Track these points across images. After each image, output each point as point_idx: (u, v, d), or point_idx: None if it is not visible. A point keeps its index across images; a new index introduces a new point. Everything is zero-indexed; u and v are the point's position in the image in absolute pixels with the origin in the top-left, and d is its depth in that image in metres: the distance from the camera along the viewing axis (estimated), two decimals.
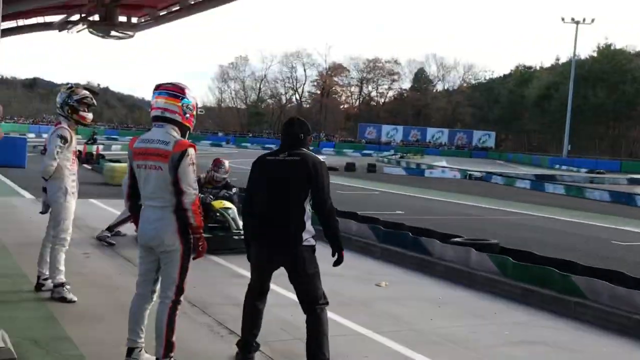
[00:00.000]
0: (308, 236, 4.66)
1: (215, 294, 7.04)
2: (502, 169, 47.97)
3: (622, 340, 6.18)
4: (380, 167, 40.36)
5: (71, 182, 6.47)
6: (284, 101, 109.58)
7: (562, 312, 7.02)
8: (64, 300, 6.25)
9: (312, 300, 4.74)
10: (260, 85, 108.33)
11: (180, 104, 4.50)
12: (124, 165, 21.88)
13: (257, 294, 5.03)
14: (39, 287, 6.61)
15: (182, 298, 4.54)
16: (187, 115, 4.54)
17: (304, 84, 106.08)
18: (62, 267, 6.38)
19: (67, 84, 6.75)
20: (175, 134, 4.48)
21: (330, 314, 6.43)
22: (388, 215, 13.93)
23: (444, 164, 50.07)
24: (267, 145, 74.55)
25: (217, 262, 8.87)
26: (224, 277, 8.01)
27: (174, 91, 4.52)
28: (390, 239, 10.27)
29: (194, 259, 4.55)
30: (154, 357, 4.54)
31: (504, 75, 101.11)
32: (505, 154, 77.95)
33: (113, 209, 14.23)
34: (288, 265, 4.77)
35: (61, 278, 6.35)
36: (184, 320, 5.93)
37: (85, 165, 27.69)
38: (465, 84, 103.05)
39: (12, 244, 9.06)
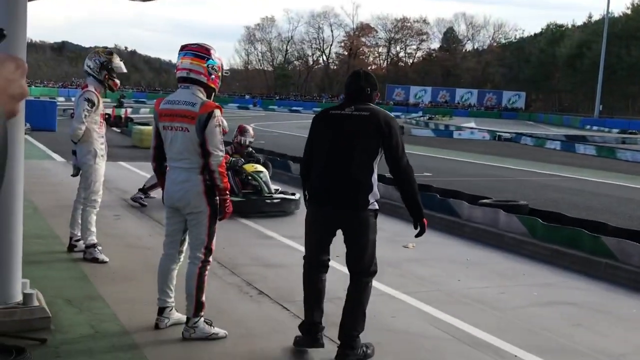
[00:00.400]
0: (373, 199, 4.26)
1: (244, 255, 7.11)
2: (532, 130, 47.35)
3: None
4: (408, 129, 40.03)
5: (100, 144, 6.54)
6: (311, 62, 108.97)
7: (592, 273, 6.97)
8: (95, 260, 6.36)
9: (361, 270, 4.37)
10: (287, 47, 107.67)
11: (205, 65, 4.48)
12: (152, 128, 22.03)
13: (315, 265, 4.59)
14: (71, 248, 6.73)
15: (211, 258, 4.61)
16: (213, 76, 4.53)
17: (331, 45, 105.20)
18: (94, 229, 6.49)
19: (106, 48, 6.77)
20: (201, 95, 4.48)
21: None
22: (416, 177, 13.88)
23: (472, 125, 49.55)
24: (294, 108, 74.55)
25: (246, 224, 8.93)
26: (252, 238, 8.07)
27: (199, 52, 4.50)
28: None
29: (219, 220, 4.58)
30: (185, 316, 4.62)
31: (535, 34, 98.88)
32: (535, 115, 76.83)
33: (142, 171, 14.38)
34: (349, 229, 4.35)
35: (93, 239, 6.45)
36: (214, 281, 6.00)
37: (114, 129, 27.95)
38: (495, 44, 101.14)
39: (45, 206, 9.21)
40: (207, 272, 4.58)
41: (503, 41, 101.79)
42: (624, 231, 7.78)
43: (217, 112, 4.41)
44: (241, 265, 6.65)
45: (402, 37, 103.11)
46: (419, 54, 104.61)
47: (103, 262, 6.37)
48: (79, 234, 6.67)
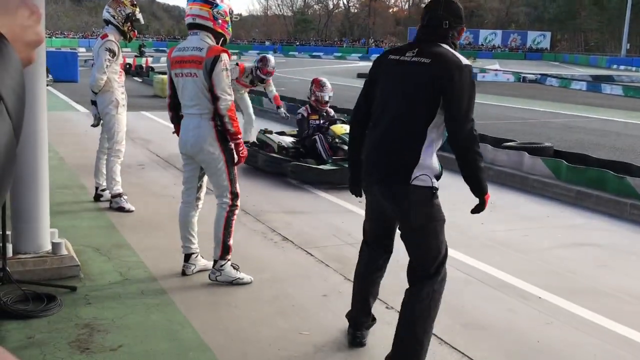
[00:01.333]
0: (422, 173, 3.27)
1: (269, 202, 7.15)
2: (558, 71, 46.49)
3: None
4: None
5: (120, 94, 6.55)
6: (331, 6, 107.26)
7: (617, 214, 6.93)
8: (122, 210, 6.45)
9: (419, 266, 3.43)
10: None
11: (210, 10, 4.48)
12: None
13: (368, 250, 3.86)
14: (97, 197, 6.82)
15: (238, 202, 4.69)
16: (219, 21, 4.52)
17: None
18: (119, 178, 6.56)
19: None
20: (210, 40, 4.49)
21: None
22: None
23: (497, 66, 48.75)
24: (314, 53, 73.77)
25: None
26: (276, 185, 8.10)
27: None
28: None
29: (235, 164, 4.62)
30: (211, 262, 4.71)
31: None
32: (560, 55, 75.29)
33: (165, 121, 14.43)
34: (394, 210, 3.43)
35: (118, 189, 6.53)
36: (239, 227, 6.06)
37: (135, 78, 27.94)
38: None
39: (70, 156, 9.31)
40: (235, 217, 4.67)
41: None
42: None
43: (224, 55, 4.41)
44: (265, 212, 6.70)
45: None
46: None
47: (129, 211, 6.45)
48: (104, 183, 6.75)
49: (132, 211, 6.47)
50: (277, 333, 3.81)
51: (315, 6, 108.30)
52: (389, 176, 3.32)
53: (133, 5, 6.57)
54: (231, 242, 4.64)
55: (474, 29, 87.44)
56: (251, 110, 10.44)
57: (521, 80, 36.62)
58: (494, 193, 7.88)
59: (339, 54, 73.41)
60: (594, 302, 4.46)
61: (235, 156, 4.57)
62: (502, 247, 5.75)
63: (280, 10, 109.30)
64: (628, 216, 6.85)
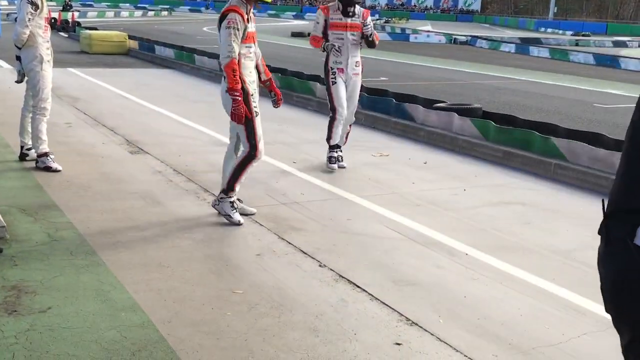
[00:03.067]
0: None
1: (200, 162, 7.08)
2: (488, 33, 47.22)
3: (600, 200, 6.34)
4: None
5: (45, 49, 6.32)
6: None
7: (542, 174, 7.17)
8: (49, 169, 6.27)
9: None
10: None
11: None
12: (101, 32, 21.32)
13: None
14: (23, 156, 6.61)
15: (257, 153, 5.04)
16: None
17: None
18: (45, 137, 6.36)
19: None
20: (235, 1, 4.86)
21: (314, 180, 6.55)
22: (372, 81, 13.83)
23: (429, 28, 49.17)
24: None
25: (201, 130, 8.86)
26: (208, 145, 8.02)
27: None
28: (374, 105, 10.25)
29: (232, 120, 4.94)
30: (251, 209, 5.29)
31: None
32: (491, 18, 76.44)
33: (92, 78, 14.02)
34: None
35: (44, 148, 6.33)
36: (170, 188, 6.01)
37: (61, 33, 26.93)
38: None
39: None
40: (249, 165, 5.06)
41: None
42: (573, 132, 7.97)
43: (230, 14, 4.76)
44: (199, 172, 6.63)
45: None
46: None
47: (56, 170, 6.28)
48: (30, 142, 6.53)
49: (59, 171, 6.29)
50: (211, 292, 3.82)
51: None
52: None
53: None
54: (237, 186, 5.07)
55: None
56: None
57: (452, 41, 37.12)
58: (425, 153, 8.08)
59: (273, 12, 72.45)
60: (519, 258, 4.63)
61: (230, 111, 4.91)
62: (431, 205, 5.88)
63: None
64: (553, 175, 7.10)
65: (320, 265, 4.33)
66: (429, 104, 9.83)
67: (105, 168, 6.57)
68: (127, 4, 71.61)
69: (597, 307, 3.89)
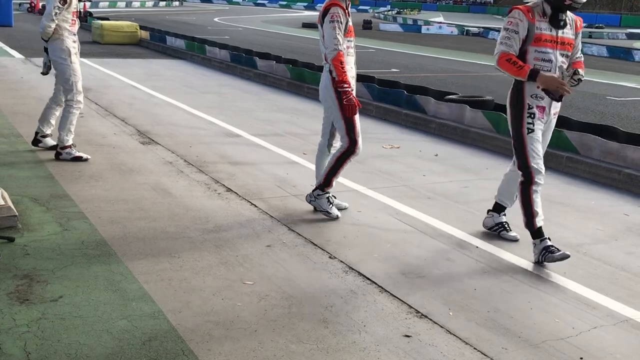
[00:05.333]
0: None
1: (211, 153, 7.09)
2: (500, 25, 46.93)
3: (611, 194, 6.32)
4: (376, 24, 39.46)
5: (72, 42, 6.34)
6: None
7: (554, 167, 7.13)
8: (79, 159, 6.34)
9: None
10: None
11: None
12: (113, 23, 21.36)
13: None
14: (35, 142, 6.65)
15: (356, 149, 5.05)
16: None
17: None
18: (73, 130, 6.42)
19: None
20: None
21: None
22: (383, 73, 13.79)
23: (441, 19, 48.92)
24: (259, 2, 72.50)
25: (212, 121, 8.88)
26: (219, 136, 8.04)
27: None
28: (385, 97, 10.23)
29: (344, 114, 4.93)
30: (344, 203, 5.35)
31: None
32: (503, 9, 75.90)
33: (104, 68, 14.06)
34: None
35: (70, 140, 6.39)
36: (181, 179, 6.02)
37: None
38: None
39: (5, 104, 9.00)
40: (348, 160, 5.09)
41: None
42: (585, 125, 7.92)
43: (333, 9, 4.82)
44: (209, 163, 6.65)
45: None
46: None
47: (86, 159, 6.36)
48: (47, 131, 6.60)
49: (88, 159, 6.38)
50: (221, 283, 3.83)
51: None
52: None
53: None
54: (334, 180, 5.12)
55: None
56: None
57: (464, 33, 36.92)
58: (436, 145, 8.05)
59: (284, 3, 72.37)
60: (529, 251, 4.61)
61: (340, 105, 4.93)
62: (442, 198, 5.87)
63: None
64: (564, 169, 7.06)
65: (330, 257, 4.34)
66: (440, 96, 9.79)
67: (116, 158, 6.59)
68: None
69: (608, 301, 3.88)
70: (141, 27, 21.24)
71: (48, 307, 3.39)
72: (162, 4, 57.79)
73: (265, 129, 8.51)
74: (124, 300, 3.53)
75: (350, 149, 5.03)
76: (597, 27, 48.52)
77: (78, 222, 4.69)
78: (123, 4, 51.12)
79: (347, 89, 4.86)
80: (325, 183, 5.10)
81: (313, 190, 5.18)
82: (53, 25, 6.17)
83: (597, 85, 15.60)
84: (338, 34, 4.81)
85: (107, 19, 24.35)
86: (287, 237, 4.68)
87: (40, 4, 33.09)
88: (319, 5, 67.76)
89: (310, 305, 3.60)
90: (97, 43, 19.85)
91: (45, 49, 6.39)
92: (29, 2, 35.23)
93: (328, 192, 5.13)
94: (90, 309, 3.39)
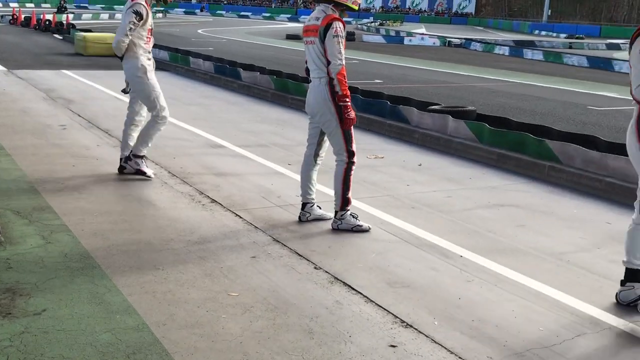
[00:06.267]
0: None
1: (196, 164, 7.08)
2: (482, 36, 47.36)
3: (594, 202, 6.38)
4: (360, 35, 39.63)
5: (147, 60, 6.26)
6: None
7: (536, 176, 7.19)
8: (142, 173, 6.29)
9: None
10: None
11: None
12: (96, 34, 21.29)
13: None
14: (121, 169, 6.46)
15: (355, 159, 5.12)
16: None
17: None
18: (151, 144, 6.38)
19: None
20: (330, 11, 4.97)
21: None
22: (367, 84, 13.85)
23: (423, 31, 49.25)
24: (242, 13, 72.60)
25: (196, 132, 8.86)
26: (203, 147, 8.02)
27: None
28: (369, 107, 10.27)
29: (343, 128, 4.98)
30: (328, 212, 5.30)
31: None
32: (485, 20, 76.71)
33: (87, 79, 14.00)
34: None
35: (144, 152, 6.34)
36: (165, 190, 6.00)
37: (55, 35, 26.89)
38: None
39: None
40: (352, 173, 5.13)
41: None
42: (567, 135, 8.00)
43: (335, 23, 4.87)
44: (193, 174, 6.63)
45: None
46: None
47: (149, 176, 6.30)
48: (143, 152, 6.48)
49: (151, 177, 6.30)
50: (206, 295, 3.82)
51: None
52: None
53: None
54: (350, 195, 5.14)
55: None
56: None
57: (446, 44, 37.19)
58: (419, 155, 8.09)
59: (268, 15, 72.53)
60: (513, 260, 4.65)
61: (341, 118, 4.98)
62: (426, 207, 5.89)
63: None
64: (546, 178, 7.12)
65: (315, 268, 4.34)
66: (423, 106, 9.85)
67: (99, 170, 6.56)
68: (122, 6, 71.46)
69: (591, 309, 3.91)
70: None
71: (31, 320, 3.36)
72: None
73: (250, 140, 8.51)
74: (107, 313, 3.50)
75: (350, 162, 5.10)
76: (577, 38, 49.08)
77: (61, 234, 4.66)
78: (106, 15, 50.95)
79: (347, 103, 4.95)
80: (344, 203, 5.13)
81: (335, 215, 5.18)
82: (127, 41, 6.06)
83: (578, 95, 15.77)
84: (342, 48, 4.92)
85: (90, 30, 24.26)
86: (272, 248, 4.67)
87: (23, 16, 32.94)
88: (302, 16, 67.95)
89: (295, 316, 3.60)
90: (79, 55, 19.76)
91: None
92: (11, 14, 35.07)
93: (349, 209, 5.16)
94: (74, 323, 3.36)
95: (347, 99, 4.95)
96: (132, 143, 6.41)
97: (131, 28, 6.05)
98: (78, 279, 3.92)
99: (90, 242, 4.55)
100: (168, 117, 6.39)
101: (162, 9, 59.31)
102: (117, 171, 6.45)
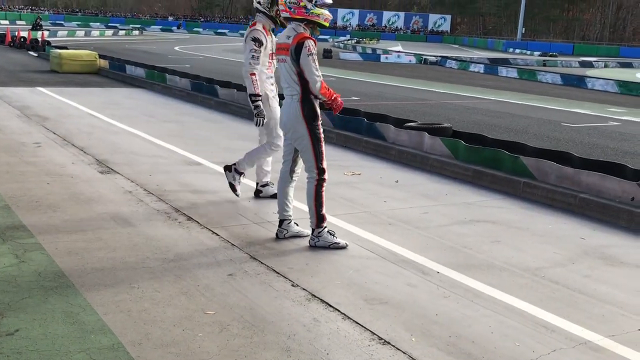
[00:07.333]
0: None
1: (172, 181, 7.04)
2: (457, 53, 47.89)
3: (568, 218, 6.45)
4: (336, 53, 39.88)
5: (269, 85, 6.22)
6: None
7: (511, 192, 7.25)
8: (232, 187, 6.32)
9: None
10: None
11: (283, 1, 5.02)
12: (72, 52, 21.17)
13: None
14: (257, 193, 6.54)
15: (326, 176, 5.16)
16: (293, 9, 4.99)
17: None
18: (255, 166, 6.41)
19: None
20: (301, 29, 5.01)
21: None
22: (344, 101, 13.90)
23: (399, 48, 49.70)
24: (219, 31, 72.72)
25: (173, 150, 8.83)
26: (179, 165, 7.99)
27: None
28: (346, 125, 10.31)
29: (315, 146, 5.07)
30: (305, 230, 5.29)
31: None
32: (460, 38, 77.65)
33: (62, 97, 13.90)
34: None
35: (245, 171, 6.33)
36: (140, 207, 5.96)
37: (30, 52, 26.69)
38: None
39: None
40: (323, 189, 5.16)
41: None
42: (541, 151, 8.09)
43: (307, 42, 4.90)
44: (169, 191, 6.60)
45: None
46: None
47: (237, 195, 6.31)
48: (265, 179, 6.52)
49: (238, 196, 6.33)
50: (182, 313, 3.79)
51: None
52: None
53: None
54: (324, 211, 5.14)
55: (378, 10, 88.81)
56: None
57: (422, 62, 37.55)
58: (396, 172, 8.12)
59: (244, 32, 72.70)
60: (489, 276, 4.67)
61: (333, 108, 5.18)
62: (403, 224, 5.91)
63: None
64: (521, 194, 7.19)
65: (292, 285, 4.32)
66: (399, 123, 9.91)
67: (74, 188, 6.50)
68: (98, 23, 71.32)
69: (567, 324, 3.94)
70: (100, 56, 21.10)
71: (3, 341, 3.30)
72: (121, 33, 57.52)
73: (227, 157, 8.48)
74: (82, 332, 3.46)
75: (321, 178, 5.12)
76: (551, 56, 49.83)
77: (35, 253, 4.60)
78: (82, 32, 50.76)
79: (336, 96, 5.15)
80: (319, 220, 5.13)
81: (312, 233, 5.17)
82: (255, 70, 6.00)
83: (552, 112, 15.98)
84: (317, 64, 5.00)
85: (65, 47, 24.13)
86: (249, 265, 4.66)
87: (11, 35, 32.39)
88: (279, 34, 67.99)
89: (272, 334, 3.58)
90: (55, 72, 19.63)
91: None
92: (21, 37, 33.79)
93: (325, 226, 5.16)
94: (48, 343, 3.31)
95: (334, 96, 5.12)
96: (267, 168, 6.51)
97: (253, 56, 6.02)
98: (52, 298, 3.87)
99: (65, 261, 4.49)
100: (281, 147, 6.25)
101: (137, 26, 59.27)
102: (254, 195, 6.55)
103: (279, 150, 6.23)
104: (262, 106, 6.07)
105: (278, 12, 5.95)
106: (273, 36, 6.23)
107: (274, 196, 6.22)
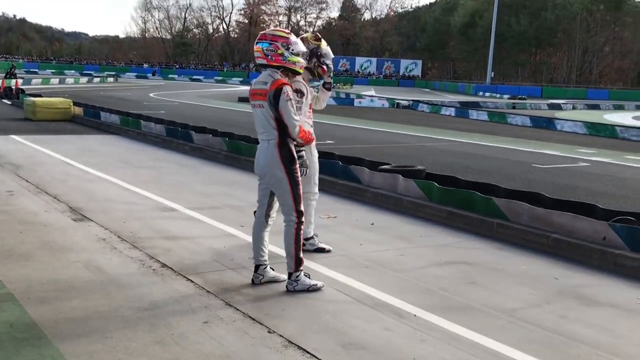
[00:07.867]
0: None
1: (146, 228, 7.00)
2: (429, 97, 48.61)
3: (541, 258, 6.50)
4: None
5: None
6: (211, 31, 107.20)
7: (485, 233, 7.31)
8: (321, 250, 6.34)
9: None
10: (185, 14, 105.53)
11: (260, 48, 5.06)
12: (45, 99, 21.13)
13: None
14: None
15: (303, 219, 5.16)
16: (270, 56, 5.04)
17: (231, 13, 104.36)
18: (312, 219, 6.38)
19: (313, 32, 6.29)
20: (278, 75, 5.06)
21: None
22: (319, 145, 13.98)
23: (372, 93, 50.36)
24: (194, 77, 73.12)
25: (147, 196, 8.79)
26: (154, 211, 7.95)
27: (258, 39, 5.13)
28: (321, 168, 10.31)
29: (293, 190, 5.07)
30: (280, 274, 5.28)
31: (430, 3, 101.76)
32: (431, 83, 78.97)
33: (36, 145, 13.82)
34: None
35: (310, 229, 6.31)
36: (114, 255, 5.90)
37: (4, 100, 26.57)
38: (392, 13, 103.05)
39: None
40: (302, 232, 5.18)
41: (400, 10, 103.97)
42: (513, 192, 8.19)
43: (285, 88, 4.96)
44: (143, 238, 6.55)
45: (302, 5, 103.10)
46: (319, 22, 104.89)
47: (328, 250, 6.33)
48: (311, 232, 6.38)
49: (329, 251, 6.35)
50: None
51: (195, 30, 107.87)
52: None
53: (317, 40, 6.18)
54: (302, 254, 5.15)
55: (351, 56, 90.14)
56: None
57: (395, 106, 38.05)
58: (371, 214, 8.16)
59: (220, 78, 73.27)
60: (466, 317, 4.68)
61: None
62: (379, 266, 5.92)
63: (159, 33, 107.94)
64: (495, 234, 7.25)
65: (269, 332, 4.29)
66: (374, 166, 9.99)
67: (47, 237, 6.43)
68: (73, 71, 71.37)
69: None
70: (75, 103, 21.07)
71: None
72: (96, 80, 57.55)
73: (202, 202, 8.47)
74: None
75: (300, 222, 5.14)
76: (520, 99, 50.79)
77: (6, 304, 4.52)
78: (56, 80, 50.73)
79: (312, 138, 5.45)
80: (297, 264, 5.13)
81: (289, 277, 5.16)
82: (297, 123, 5.95)
83: (522, 153, 16.22)
84: (295, 110, 5.09)
85: (39, 95, 24.06)
86: (225, 312, 4.62)
87: (5, 83, 31.90)
88: (254, 80, 68.57)
89: None
90: (29, 120, 19.54)
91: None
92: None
93: (302, 269, 5.17)
94: None
95: (310, 138, 5.39)
96: (311, 220, 6.43)
97: (297, 107, 5.88)
98: (24, 350, 3.80)
99: (37, 311, 4.42)
100: (317, 194, 6.41)
101: (112, 73, 59.31)
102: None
103: (316, 198, 6.39)
104: (305, 156, 6.03)
105: (315, 64, 6.15)
106: (311, 89, 6.26)
107: (318, 250, 6.33)
